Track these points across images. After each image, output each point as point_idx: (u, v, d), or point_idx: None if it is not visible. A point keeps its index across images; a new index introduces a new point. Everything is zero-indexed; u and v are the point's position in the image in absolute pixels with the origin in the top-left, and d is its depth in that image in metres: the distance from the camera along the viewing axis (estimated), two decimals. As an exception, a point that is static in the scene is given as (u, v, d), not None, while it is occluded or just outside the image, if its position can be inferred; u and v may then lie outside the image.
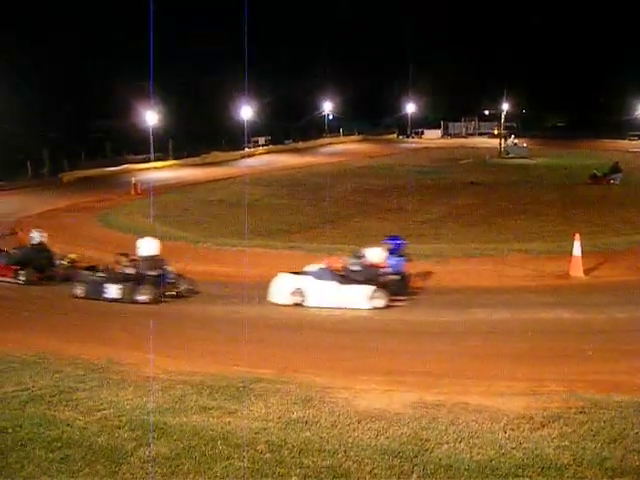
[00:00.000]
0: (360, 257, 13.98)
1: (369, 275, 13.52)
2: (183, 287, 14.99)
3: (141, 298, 14.30)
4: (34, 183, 43.76)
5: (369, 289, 13.16)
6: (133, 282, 14.55)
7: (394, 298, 13.39)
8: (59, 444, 6.40)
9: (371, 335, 11.32)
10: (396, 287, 13.63)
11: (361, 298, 13.12)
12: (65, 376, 8.82)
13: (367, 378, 8.56)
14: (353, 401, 7.53)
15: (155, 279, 14.46)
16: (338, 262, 14.26)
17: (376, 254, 14.00)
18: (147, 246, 15.23)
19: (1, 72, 48.93)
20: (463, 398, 7.55)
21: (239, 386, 8.04)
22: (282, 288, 13.76)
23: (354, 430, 6.61)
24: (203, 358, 9.95)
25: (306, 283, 13.59)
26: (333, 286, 13.39)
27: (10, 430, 6.76)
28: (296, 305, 13.54)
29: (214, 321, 12.71)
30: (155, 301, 14.24)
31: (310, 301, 13.44)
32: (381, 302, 13.07)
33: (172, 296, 14.68)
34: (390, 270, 13.85)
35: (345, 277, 13.63)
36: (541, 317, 12.30)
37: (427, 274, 16.37)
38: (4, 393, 8.14)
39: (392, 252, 14.24)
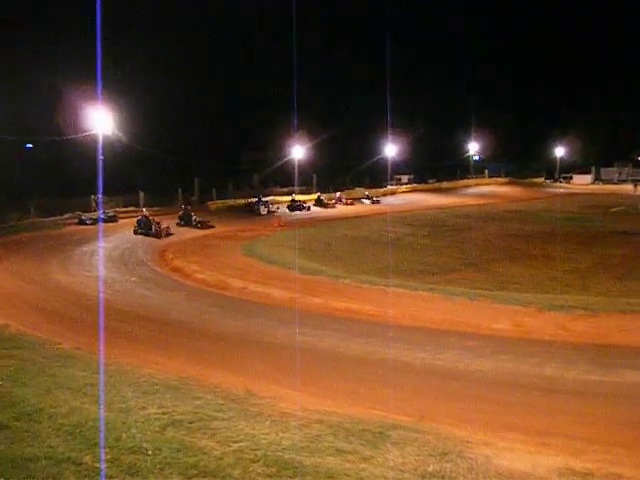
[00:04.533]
0: None
1: None
2: None
3: None
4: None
5: None
6: None
7: None
8: (195, 471, 6.42)
9: (514, 390, 10.77)
10: None
11: None
12: (205, 403, 8.97)
13: (510, 436, 8.10)
14: (494, 459, 7.12)
15: None
16: None
17: None
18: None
19: (158, 104, 52.32)
20: (616, 469, 6.96)
21: (376, 431, 7.83)
22: None
23: (494, 492, 6.26)
24: (340, 397, 9.82)
25: None
26: None
27: (150, 452, 6.88)
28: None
29: (351, 361, 12.56)
30: None
31: None
32: None
33: None
34: None
35: None
36: None
37: (570, 327, 15.54)
38: (147, 415, 8.36)
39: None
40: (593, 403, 10.30)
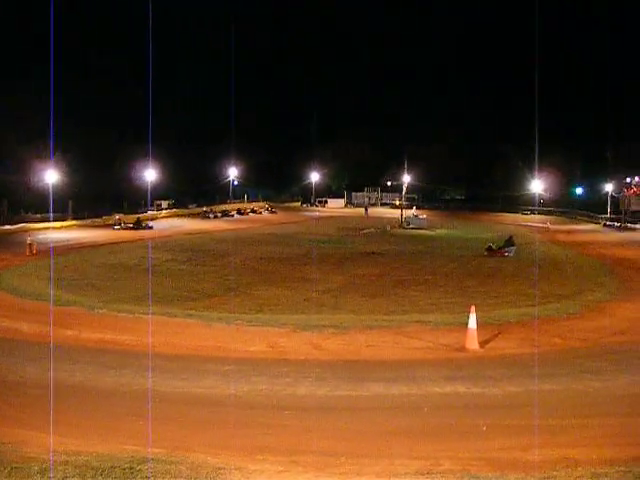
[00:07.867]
0: None
1: None
2: None
3: None
4: None
5: None
6: None
7: None
8: None
9: (268, 411, 11.02)
10: None
11: None
12: None
13: (262, 458, 8.26)
14: (245, 483, 7.24)
15: None
16: None
17: None
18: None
19: None
20: (359, 479, 7.39)
21: (126, 467, 7.57)
22: None
23: (244, 515, 6.34)
24: (90, 435, 9.39)
25: None
26: None
27: None
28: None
29: (104, 394, 12.10)
30: None
31: None
32: None
33: None
34: None
35: None
36: (437, 391, 12.27)
37: (323, 345, 16.31)
38: None
39: None
40: (342, 417, 10.86)
